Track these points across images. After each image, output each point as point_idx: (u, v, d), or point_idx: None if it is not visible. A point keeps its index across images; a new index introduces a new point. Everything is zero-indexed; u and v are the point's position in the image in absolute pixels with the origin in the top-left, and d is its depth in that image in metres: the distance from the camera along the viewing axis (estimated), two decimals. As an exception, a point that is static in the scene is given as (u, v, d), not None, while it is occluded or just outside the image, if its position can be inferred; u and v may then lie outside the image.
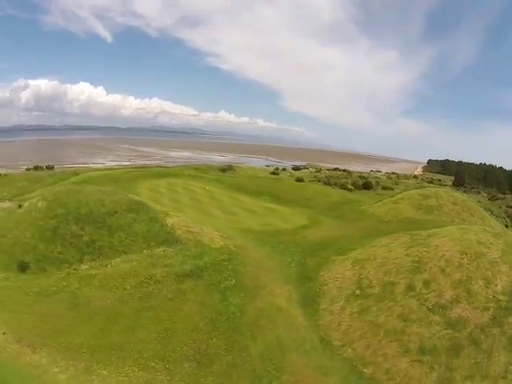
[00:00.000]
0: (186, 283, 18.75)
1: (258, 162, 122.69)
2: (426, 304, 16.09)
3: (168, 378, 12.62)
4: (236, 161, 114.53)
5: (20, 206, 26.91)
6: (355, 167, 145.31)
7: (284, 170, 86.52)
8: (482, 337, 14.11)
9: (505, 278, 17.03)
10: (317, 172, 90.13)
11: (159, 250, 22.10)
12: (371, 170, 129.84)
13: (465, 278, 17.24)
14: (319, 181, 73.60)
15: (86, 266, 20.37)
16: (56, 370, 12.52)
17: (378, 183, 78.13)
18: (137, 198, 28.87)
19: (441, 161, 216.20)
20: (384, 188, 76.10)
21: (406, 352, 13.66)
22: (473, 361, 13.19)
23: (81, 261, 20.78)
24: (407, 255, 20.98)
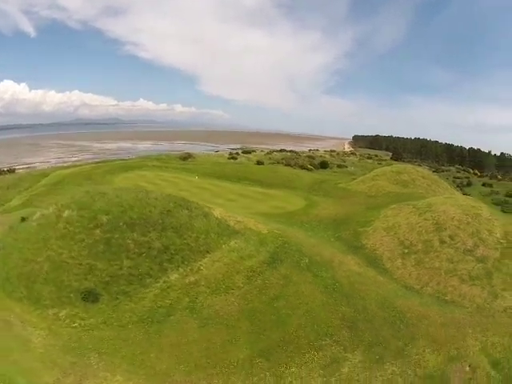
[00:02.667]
0: (279, 269, 21.38)
1: (197, 148, 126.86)
2: (459, 250, 25.00)
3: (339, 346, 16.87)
4: (175, 148, 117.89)
5: (23, 219, 25.42)
6: (288, 146, 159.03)
7: (238, 154, 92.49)
8: (500, 265, 23.47)
9: (499, 228, 27.01)
10: (268, 154, 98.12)
11: (233, 243, 23.23)
12: (310, 149, 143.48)
13: (475, 231, 26.63)
14: (278, 162, 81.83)
15: (176, 275, 19.83)
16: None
17: (332, 162, 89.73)
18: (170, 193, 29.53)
19: (368, 136, 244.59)
20: (338, 166, 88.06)
21: (463, 281, 22.22)
22: (501, 280, 22.35)
23: (164, 271, 19.96)
24: (425, 219, 29.74)
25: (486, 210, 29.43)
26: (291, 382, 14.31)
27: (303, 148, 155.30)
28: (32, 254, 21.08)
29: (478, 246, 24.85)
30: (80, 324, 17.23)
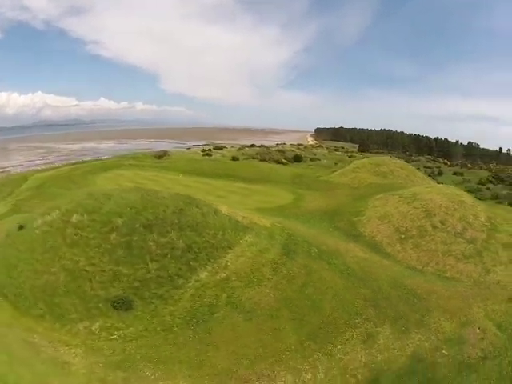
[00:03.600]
0: (296, 259, 22.94)
1: (164, 146, 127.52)
2: (450, 233, 28.62)
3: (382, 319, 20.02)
4: (143, 147, 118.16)
5: (22, 227, 24.27)
6: (254, 141, 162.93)
7: (210, 150, 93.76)
8: (488, 245, 27.30)
9: (483, 213, 31.09)
10: (240, 150, 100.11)
11: (248, 238, 24.03)
12: (277, 144, 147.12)
13: (462, 216, 30.46)
14: (253, 158, 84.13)
15: (206, 273, 20.33)
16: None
17: (305, 156, 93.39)
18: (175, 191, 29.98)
19: (330, 128, 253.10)
20: (311, 159, 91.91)
21: (459, 260, 25.75)
22: (490, 257, 26.12)
23: (193, 270, 20.37)
24: (415, 208, 33.26)
25: (468, 198, 33.54)
26: (341, 357, 16.60)
27: (269, 142, 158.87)
28: (43, 265, 20.21)
29: (467, 229, 28.59)
30: (119, 335, 16.88)
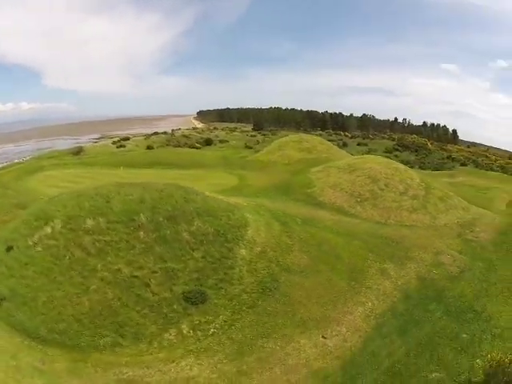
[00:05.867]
0: (295, 227, 27.41)
1: (63, 143, 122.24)
2: (396, 193, 36.76)
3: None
4: (43, 146, 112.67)
5: (9, 248, 21.63)
6: (143, 129, 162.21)
7: (120, 141, 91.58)
8: (428, 199, 36.14)
9: (415, 175, 40.30)
10: (147, 139, 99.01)
11: (251, 217, 26.82)
12: (173, 129, 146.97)
13: (401, 179, 38.91)
14: (167, 145, 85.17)
15: (244, 250, 22.66)
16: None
17: (214, 139, 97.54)
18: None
19: (214, 110, 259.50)
20: (221, 142, 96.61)
21: (410, 212, 33.78)
22: (432, 208, 34.94)
23: (233, 251, 22.25)
24: (358, 176, 40.77)
25: (399, 164, 42.67)
26: (378, 288, 22.12)
27: (158, 129, 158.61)
28: (73, 286, 19.19)
29: (408, 189, 37.04)
30: (215, 327, 18.14)
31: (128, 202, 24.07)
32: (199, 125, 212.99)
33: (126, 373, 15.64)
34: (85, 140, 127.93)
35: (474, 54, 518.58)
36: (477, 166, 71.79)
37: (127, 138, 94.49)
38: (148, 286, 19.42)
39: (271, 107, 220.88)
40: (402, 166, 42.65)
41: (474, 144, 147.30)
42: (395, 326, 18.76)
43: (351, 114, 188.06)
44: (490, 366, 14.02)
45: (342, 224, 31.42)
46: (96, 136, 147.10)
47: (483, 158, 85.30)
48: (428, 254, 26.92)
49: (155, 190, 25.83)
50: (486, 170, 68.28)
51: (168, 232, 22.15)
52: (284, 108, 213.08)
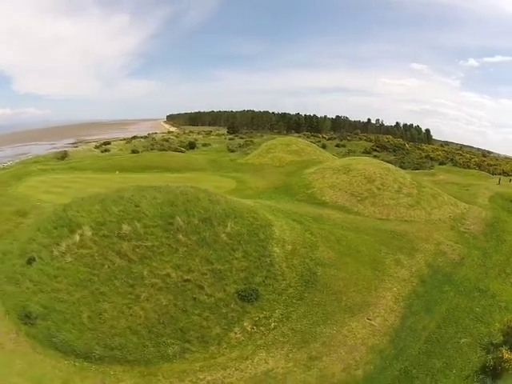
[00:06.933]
0: (308, 225, 30.99)
1: (40, 149, 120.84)
2: (392, 191, 40.65)
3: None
4: (20, 152, 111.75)
5: (31, 261, 20.62)
6: (117, 133, 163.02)
7: (102, 146, 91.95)
8: (421, 197, 40.26)
9: (407, 175, 44.57)
10: (128, 143, 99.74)
11: (268, 215, 29.20)
12: (148, 133, 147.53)
13: (394, 178, 42.89)
14: (152, 149, 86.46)
15: (277, 249, 24.58)
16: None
17: (197, 142, 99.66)
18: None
19: (184, 114, 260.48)
20: (204, 145, 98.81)
21: (407, 208, 37.63)
22: (426, 204, 39.08)
23: (268, 249, 23.99)
24: (354, 176, 44.55)
25: (390, 165, 46.82)
26: (397, 276, 25.34)
27: (130, 133, 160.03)
28: (121, 296, 19.03)
29: (402, 188, 40.90)
30: (275, 321, 19.70)
31: (158, 206, 24.39)
32: (171, 128, 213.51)
33: (204, 378, 16.09)
34: (61, 145, 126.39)
35: (445, 53, 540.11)
36: (455, 165, 77.85)
37: (108, 143, 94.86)
38: (202, 288, 19.95)
39: (243, 110, 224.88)
40: (392, 167, 46.92)
41: (446, 143, 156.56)
42: (420, 305, 22.21)
43: (325, 116, 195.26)
44: (508, 327, 17.72)
45: (348, 221, 34.79)
46: (71, 141, 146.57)
47: (460, 157, 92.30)
48: (430, 244, 30.69)
49: (180, 193, 26.46)
50: (464, 167, 74.50)
51: (207, 234, 22.91)
52: (257, 110, 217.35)
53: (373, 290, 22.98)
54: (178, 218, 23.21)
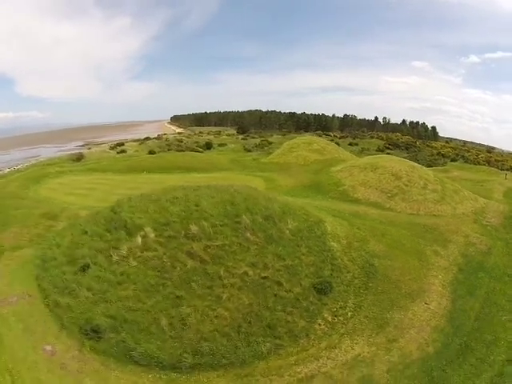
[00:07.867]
0: (351, 220, 35.01)
1: (49, 151, 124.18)
2: (419, 187, 44.82)
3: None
4: (28, 155, 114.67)
5: (85, 268, 19.71)
6: (126, 135, 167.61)
7: (117, 147, 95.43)
8: (445, 192, 44.55)
9: (430, 172, 48.90)
10: (142, 144, 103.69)
11: (313, 212, 31.34)
12: (158, 134, 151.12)
13: (420, 175, 47.00)
14: (169, 150, 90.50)
15: (335, 244, 26.29)
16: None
17: (214, 143, 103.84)
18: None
19: (189, 115, 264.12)
20: (220, 145, 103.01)
21: (435, 204, 41.67)
22: (450, 199, 43.44)
23: (325, 244, 25.65)
24: (381, 174, 48.77)
25: (414, 163, 51.17)
26: (438, 265, 29.09)
27: (137, 135, 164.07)
28: (201, 299, 19.23)
29: (427, 184, 45.31)
30: (351, 310, 21.42)
31: (220, 205, 25.21)
32: (178, 129, 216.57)
33: (301, 371, 16.89)
34: (70, 147, 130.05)
35: (446, 50, 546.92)
36: (466, 161, 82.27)
37: (122, 144, 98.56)
38: (280, 284, 20.84)
39: (250, 110, 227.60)
40: (416, 164, 51.25)
41: (450, 139, 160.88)
42: (463, 290, 26.13)
43: (333, 115, 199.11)
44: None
45: (384, 216, 38.86)
46: (80, 143, 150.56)
47: (470, 153, 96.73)
48: (460, 236, 34.89)
49: (235, 192, 27.66)
50: (474, 164, 78.97)
51: (273, 231, 24.16)
52: (264, 110, 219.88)
53: (423, 278, 26.76)
54: (244, 217, 24.06)
